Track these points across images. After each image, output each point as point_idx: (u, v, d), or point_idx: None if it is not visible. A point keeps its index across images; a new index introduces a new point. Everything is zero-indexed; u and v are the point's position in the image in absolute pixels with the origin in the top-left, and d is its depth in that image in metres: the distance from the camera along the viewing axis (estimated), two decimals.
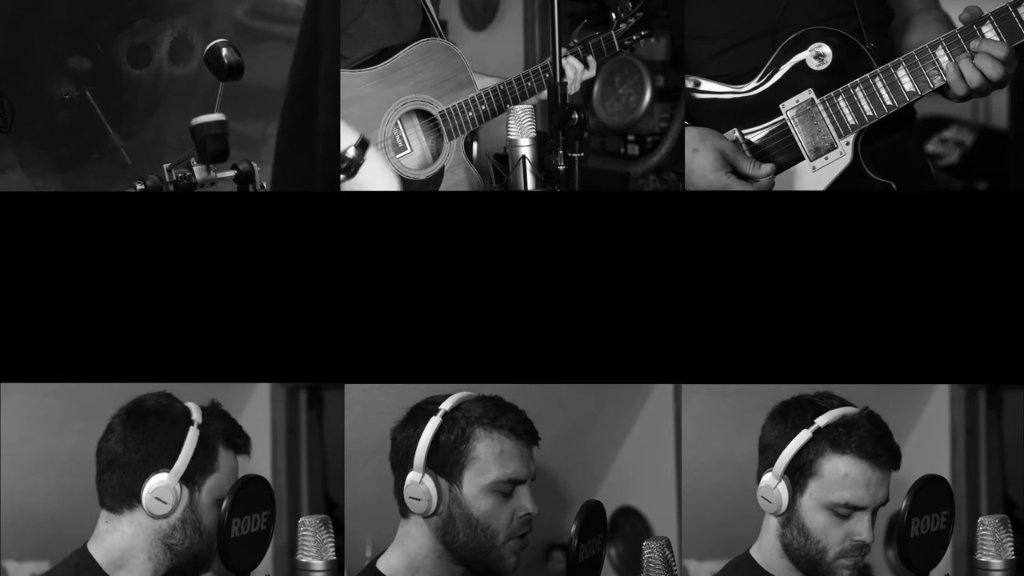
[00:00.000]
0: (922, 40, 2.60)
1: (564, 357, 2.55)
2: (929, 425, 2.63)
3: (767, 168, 2.61)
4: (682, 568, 2.58)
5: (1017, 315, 2.53)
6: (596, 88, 3.56)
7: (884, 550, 2.60)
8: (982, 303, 2.53)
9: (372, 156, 2.64)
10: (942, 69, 2.54)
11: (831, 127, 2.61)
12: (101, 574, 2.22)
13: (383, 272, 2.54)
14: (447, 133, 2.79)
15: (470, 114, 2.80)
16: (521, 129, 2.55)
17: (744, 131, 2.64)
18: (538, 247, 2.55)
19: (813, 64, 2.62)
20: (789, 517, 2.28)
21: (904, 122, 2.67)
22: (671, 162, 3.38)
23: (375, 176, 2.64)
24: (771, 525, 2.30)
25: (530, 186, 2.55)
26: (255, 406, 2.59)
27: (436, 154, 2.79)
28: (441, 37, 2.83)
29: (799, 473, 2.26)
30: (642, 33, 2.88)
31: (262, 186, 2.65)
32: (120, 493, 2.22)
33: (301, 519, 2.26)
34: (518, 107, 2.57)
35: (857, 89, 2.59)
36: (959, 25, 2.54)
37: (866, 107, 2.59)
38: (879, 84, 2.58)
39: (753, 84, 2.64)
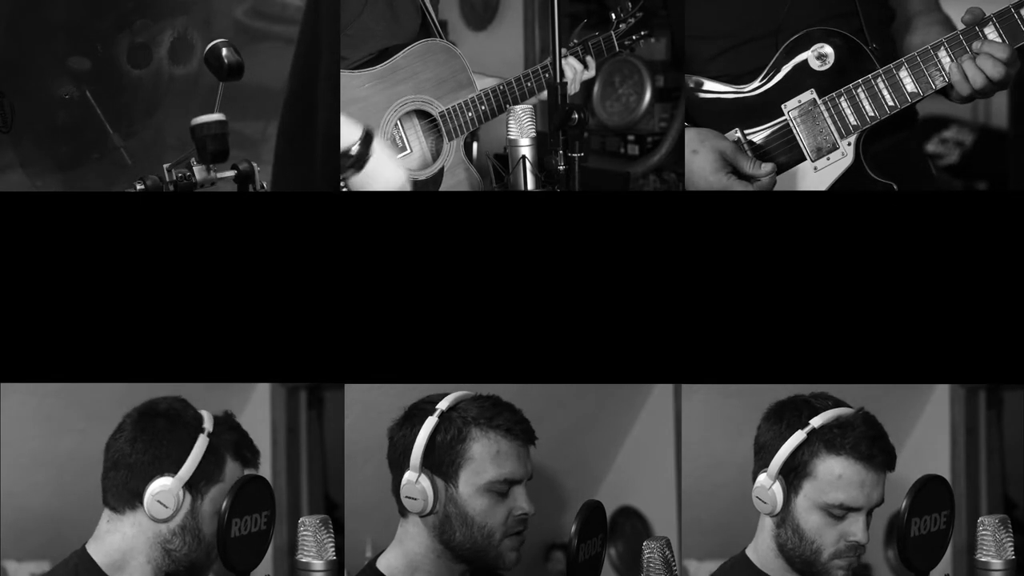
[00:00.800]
0: (923, 41, 2.60)
1: (564, 357, 2.55)
2: (929, 425, 2.63)
3: (768, 167, 2.60)
4: (682, 568, 2.58)
5: (1017, 315, 2.53)
6: (596, 88, 3.57)
7: (884, 550, 2.60)
8: (982, 303, 2.53)
9: (378, 148, 2.64)
10: (945, 70, 2.54)
11: (833, 127, 2.61)
12: (100, 575, 2.22)
13: (383, 272, 2.54)
14: (447, 133, 2.79)
15: (470, 114, 2.80)
16: (521, 129, 2.55)
17: (746, 131, 2.64)
18: (538, 247, 2.55)
19: (815, 64, 2.62)
20: (784, 517, 2.28)
21: (906, 123, 2.67)
22: (671, 162, 3.38)
23: (384, 168, 2.64)
24: (766, 525, 2.30)
25: (530, 186, 2.55)
26: (255, 406, 2.59)
27: (436, 154, 2.79)
28: (441, 37, 2.83)
29: (793, 474, 2.26)
30: (642, 33, 2.89)
31: (262, 186, 2.65)
32: (123, 493, 2.21)
33: (301, 519, 2.26)
34: (518, 107, 2.57)
35: (859, 90, 2.59)
36: (961, 26, 2.54)
37: (868, 108, 2.59)
38: (881, 85, 2.58)
39: (755, 84, 2.64)
